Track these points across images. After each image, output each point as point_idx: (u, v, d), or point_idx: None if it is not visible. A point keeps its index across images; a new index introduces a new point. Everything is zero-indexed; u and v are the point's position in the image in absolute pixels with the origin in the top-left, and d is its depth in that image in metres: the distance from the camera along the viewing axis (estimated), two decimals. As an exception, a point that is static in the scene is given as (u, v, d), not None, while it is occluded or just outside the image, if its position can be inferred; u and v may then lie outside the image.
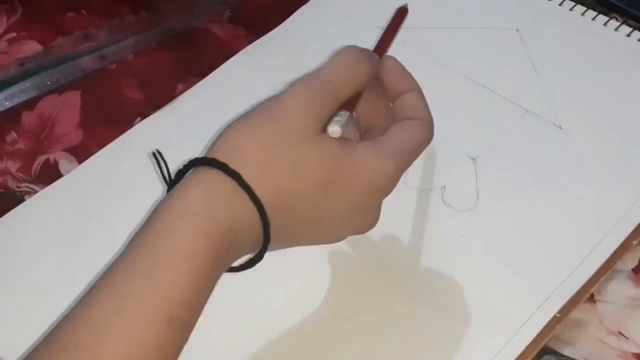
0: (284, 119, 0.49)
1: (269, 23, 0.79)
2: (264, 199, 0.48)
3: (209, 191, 0.48)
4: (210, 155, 0.49)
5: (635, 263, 0.63)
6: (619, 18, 0.78)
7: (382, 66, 0.57)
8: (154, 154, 0.53)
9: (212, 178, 0.48)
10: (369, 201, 0.53)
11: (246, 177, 0.48)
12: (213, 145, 0.50)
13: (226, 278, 0.61)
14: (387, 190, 0.53)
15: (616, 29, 0.77)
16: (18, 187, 0.70)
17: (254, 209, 0.48)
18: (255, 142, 0.49)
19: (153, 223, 0.48)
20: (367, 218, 0.54)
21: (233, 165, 0.48)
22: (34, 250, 0.65)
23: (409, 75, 0.57)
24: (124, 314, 0.45)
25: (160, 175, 0.52)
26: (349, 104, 0.52)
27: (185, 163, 0.50)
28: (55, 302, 0.61)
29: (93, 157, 0.71)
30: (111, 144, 0.71)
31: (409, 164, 0.54)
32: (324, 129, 0.51)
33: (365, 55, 0.54)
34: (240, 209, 0.48)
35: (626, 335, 0.59)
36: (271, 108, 0.50)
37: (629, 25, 0.77)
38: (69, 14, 0.82)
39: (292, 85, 0.51)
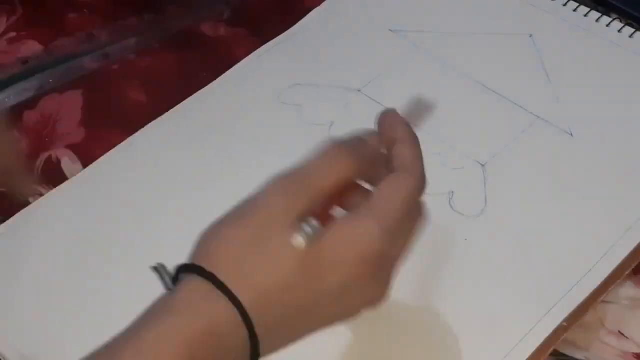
0: (256, 216, 0.49)
1: (271, 23, 0.80)
2: (243, 298, 0.47)
3: (188, 295, 0.48)
4: (190, 261, 0.49)
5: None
6: (635, 25, 0.77)
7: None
8: (156, 269, 0.51)
9: (190, 283, 0.48)
10: (366, 271, 0.50)
11: (222, 278, 0.48)
12: (193, 250, 0.50)
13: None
14: (383, 255, 0.50)
15: (631, 36, 0.76)
16: (21, 185, 0.71)
17: (235, 309, 0.48)
18: (229, 241, 0.49)
19: (135, 325, 0.48)
20: (370, 288, 0.51)
21: (209, 267, 0.48)
22: (39, 253, 0.65)
23: (403, 123, 0.54)
24: None
25: (165, 287, 0.51)
26: (335, 198, 0.51)
27: (174, 271, 0.50)
28: (61, 305, 0.62)
29: (100, 159, 0.71)
30: (118, 147, 0.71)
31: (399, 220, 0.50)
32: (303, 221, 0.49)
33: (347, 149, 0.51)
34: (220, 311, 0.47)
35: (626, 335, 0.59)
36: (244, 207, 0.50)
37: (644, 33, 0.76)
38: (70, 14, 0.82)
39: (268, 181, 0.50)
